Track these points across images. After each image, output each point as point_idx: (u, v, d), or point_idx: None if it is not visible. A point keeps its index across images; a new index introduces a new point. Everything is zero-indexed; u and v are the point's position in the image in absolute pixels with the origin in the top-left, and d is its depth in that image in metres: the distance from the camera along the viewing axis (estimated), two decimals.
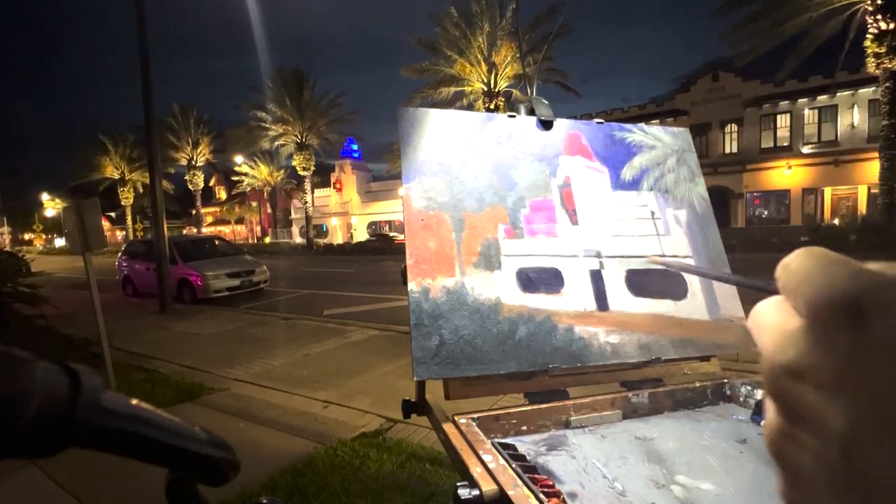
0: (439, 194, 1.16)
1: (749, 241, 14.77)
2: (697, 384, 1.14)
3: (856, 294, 0.16)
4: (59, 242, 51.69)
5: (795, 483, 0.19)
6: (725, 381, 1.16)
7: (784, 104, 22.24)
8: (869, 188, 19.74)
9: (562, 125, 1.33)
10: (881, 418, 0.15)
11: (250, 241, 40.62)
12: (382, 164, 29.28)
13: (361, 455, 2.94)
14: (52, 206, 48.76)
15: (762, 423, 0.21)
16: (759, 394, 1.08)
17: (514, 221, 1.19)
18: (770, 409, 0.20)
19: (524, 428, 0.99)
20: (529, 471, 0.79)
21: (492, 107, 20.73)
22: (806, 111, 21.95)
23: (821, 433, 0.17)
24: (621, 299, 1.19)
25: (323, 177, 35.30)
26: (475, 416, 0.97)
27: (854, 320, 0.16)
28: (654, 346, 1.15)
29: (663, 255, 1.26)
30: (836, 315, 0.17)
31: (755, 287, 0.29)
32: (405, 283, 1.07)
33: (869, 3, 12.43)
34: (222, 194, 45.90)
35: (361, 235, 33.79)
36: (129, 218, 39.06)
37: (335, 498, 2.52)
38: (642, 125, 1.44)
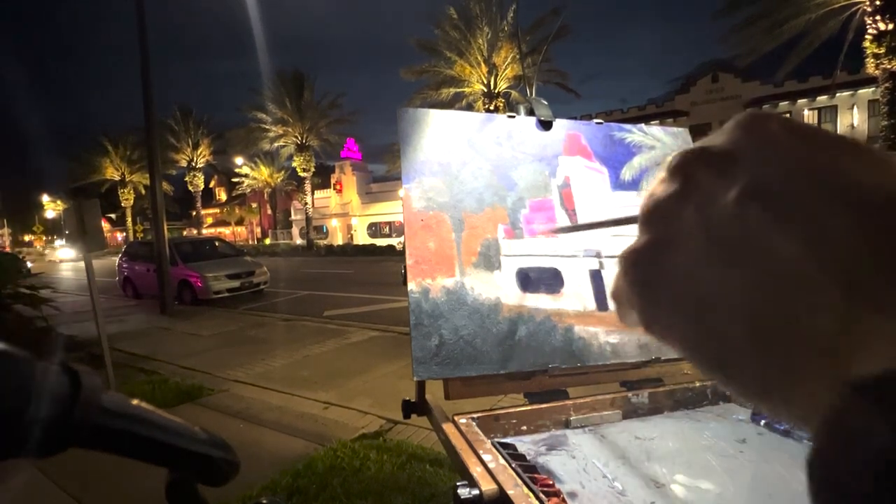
0: (439, 194, 1.16)
1: None
2: (697, 384, 1.14)
3: None
4: (60, 244, 51.68)
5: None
6: None
7: (784, 105, 22.30)
8: None
9: (561, 125, 1.33)
10: None
11: (250, 242, 40.57)
12: (382, 164, 29.30)
13: (361, 456, 2.94)
14: (52, 207, 48.74)
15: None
16: None
17: (514, 221, 1.19)
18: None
19: (524, 428, 0.99)
20: (529, 470, 0.79)
21: (491, 108, 20.72)
22: (806, 112, 21.98)
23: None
24: None
25: (323, 178, 35.26)
26: (475, 416, 0.97)
27: None
28: (654, 346, 1.15)
29: (568, 226, 1.24)
30: None
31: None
32: (405, 283, 1.07)
33: (867, 4, 12.43)
34: (222, 196, 45.89)
35: (362, 236, 33.74)
36: (129, 219, 39.06)
37: (335, 499, 2.52)
38: (642, 126, 1.45)
